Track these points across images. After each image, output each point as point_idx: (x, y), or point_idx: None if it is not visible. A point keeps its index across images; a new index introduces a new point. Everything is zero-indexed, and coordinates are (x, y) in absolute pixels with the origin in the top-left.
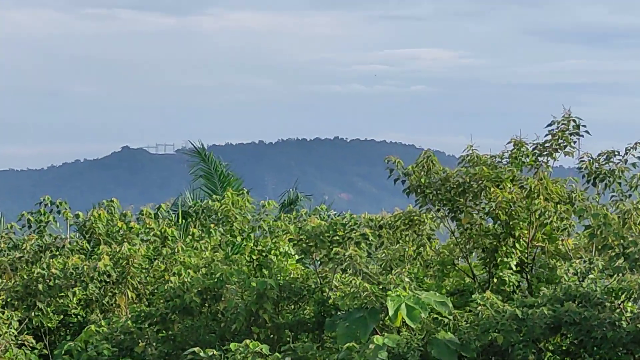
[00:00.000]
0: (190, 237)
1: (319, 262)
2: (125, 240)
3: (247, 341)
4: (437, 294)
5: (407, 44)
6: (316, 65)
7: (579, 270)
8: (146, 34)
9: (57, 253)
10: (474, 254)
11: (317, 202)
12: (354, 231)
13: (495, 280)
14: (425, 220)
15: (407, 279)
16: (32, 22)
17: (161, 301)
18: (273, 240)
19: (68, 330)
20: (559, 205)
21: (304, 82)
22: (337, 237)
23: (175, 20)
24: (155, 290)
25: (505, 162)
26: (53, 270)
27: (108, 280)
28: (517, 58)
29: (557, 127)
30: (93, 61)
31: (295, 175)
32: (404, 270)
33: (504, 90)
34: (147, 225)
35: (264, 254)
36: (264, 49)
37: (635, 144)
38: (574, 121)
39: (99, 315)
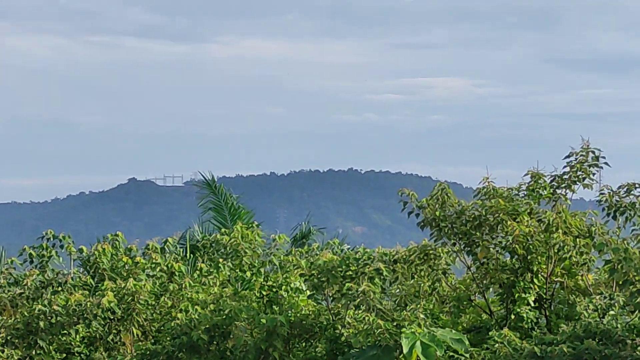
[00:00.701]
0: (198, 272)
1: (331, 298)
2: (130, 275)
3: None
4: (453, 331)
5: (422, 73)
6: (329, 94)
7: (599, 307)
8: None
9: (60, 289)
10: (490, 289)
11: (330, 235)
12: (368, 266)
13: (512, 316)
14: (441, 254)
15: (422, 316)
16: (35, 48)
17: (168, 339)
18: (284, 276)
19: None
20: (578, 239)
21: (316, 111)
22: (350, 272)
23: (186, 49)
24: (162, 328)
25: (523, 195)
26: (55, 306)
27: (112, 317)
28: (535, 87)
29: (576, 159)
30: (99, 90)
31: (308, 208)
32: (418, 306)
33: (522, 120)
34: (154, 260)
35: (274, 290)
36: (276, 77)
37: None
38: (593, 152)
39: (103, 353)
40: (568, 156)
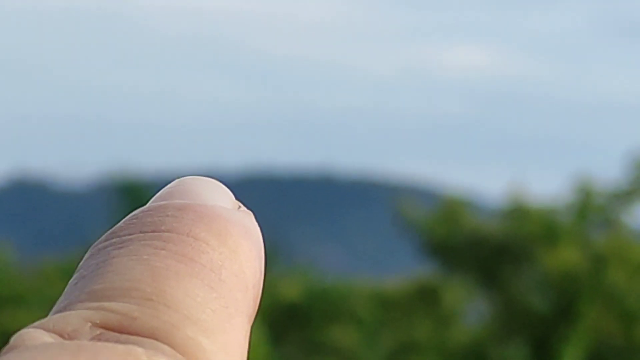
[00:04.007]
0: None
1: (295, 347)
2: (16, 303)
3: None
4: None
5: (431, 39)
6: (302, 65)
7: None
8: (51, 13)
9: None
10: (516, 341)
11: (294, 261)
12: (348, 304)
13: None
14: (448, 293)
15: None
16: None
17: None
18: None
19: None
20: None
21: (281, 89)
22: (325, 312)
23: None
24: None
25: (565, 216)
26: None
27: None
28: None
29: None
30: None
31: (267, 223)
32: None
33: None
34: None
35: None
36: (228, 40)
37: None
38: None
39: None
40: (630, 165)
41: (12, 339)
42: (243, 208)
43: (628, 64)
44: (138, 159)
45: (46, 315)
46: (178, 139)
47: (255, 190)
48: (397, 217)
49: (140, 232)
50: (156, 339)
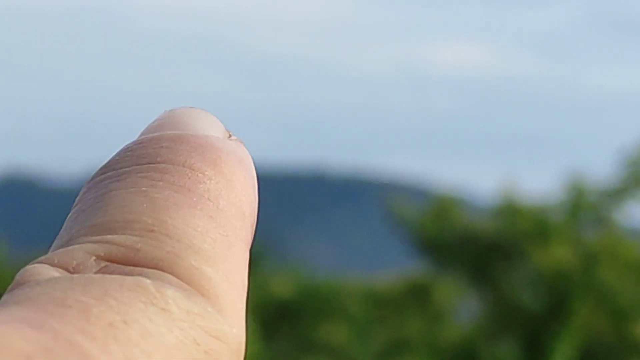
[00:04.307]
0: None
1: (286, 344)
2: None
3: None
4: None
5: (422, 35)
6: (294, 63)
7: None
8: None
9: None
10: (507, 338)
11: (286, 258)
12: (340, 302)
13: None
14: (440, 291)
15: None
16: None
17: None
18: None
19: None
20: (631, 277)
21: (273, 86)
22: (316, 310)
23: None
24: None
25: (556, 213)
26: None
27: None
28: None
29: (633, 166)
30: None
31: (259, 220)
32: (407, 359)
33: (561, 108)
34: None
35: None
36: (218, 37)
37: None
38: None
39: None
40: (623, 163)
41: (18, 275)
42: (234, 137)
43: (620, 62)
44: None
45: None
46: None
47: None
48: (389, 214)
49: (137, 165)
50: (161, 270)
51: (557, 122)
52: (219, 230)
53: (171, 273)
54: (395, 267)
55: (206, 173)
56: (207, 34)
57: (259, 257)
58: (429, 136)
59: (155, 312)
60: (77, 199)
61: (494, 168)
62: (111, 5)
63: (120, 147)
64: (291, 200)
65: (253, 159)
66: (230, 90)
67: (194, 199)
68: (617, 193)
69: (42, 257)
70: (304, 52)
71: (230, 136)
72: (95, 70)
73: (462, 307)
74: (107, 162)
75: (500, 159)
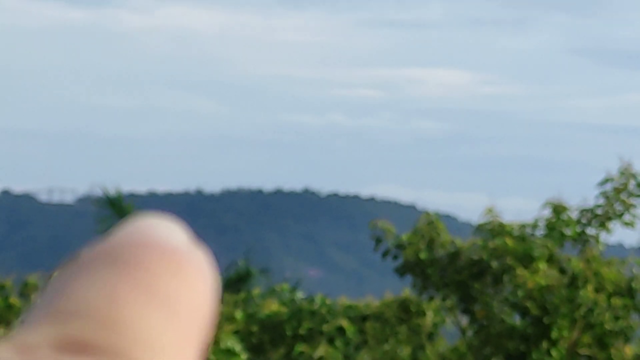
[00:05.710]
0: None
1: None
2: (1, 323)
3: None
4: None
5: (409, 62)
6: (281, 84)
7: None
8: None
9: None
10: (493, 357)
11: (276, 279)
12: (327, 322)
13: None
14: (426, 311)
15: None
16: None
17: None
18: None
19: None
20: (613, 298)
21: (261, 108)
22: (303, 331)
23: (83, 15)
24: None
25: (540, 234)
26: None
27: None
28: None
29: (613, 187)
30: None
31: (247, 240)
32: None
33: (542, 131)
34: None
35: None
36: (208, 60)
37: None
38: (635, 178)
39: None
40: (603, 183)
41: None
42: (196, 243)
43: (602, 86)
44: (124, 173)
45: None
46: (162, 155)
47: (237, 205)
48: (377, 235)
49: (103, 262)
50: None
51: (539, 145)
52: (175, 328)
53: None
54: (383, 287)
55: (167, 275)
56: (199, 55)
57: (248, 278)
58: (415, 159)
59: None
60: (46, 284)
61: (480, 190)
62: (105, 28)
63: (91, 245)
64: (281, 219)
65: (212, 262)
66: (221, 110)
67: (154, 298)
68: (599, 216)
69: (9, 336)
70: (293, 74)
71: (192, 244)
72: (89, 91)
73: (449, 326)
74: (77, 255)
75: (486, 182)
